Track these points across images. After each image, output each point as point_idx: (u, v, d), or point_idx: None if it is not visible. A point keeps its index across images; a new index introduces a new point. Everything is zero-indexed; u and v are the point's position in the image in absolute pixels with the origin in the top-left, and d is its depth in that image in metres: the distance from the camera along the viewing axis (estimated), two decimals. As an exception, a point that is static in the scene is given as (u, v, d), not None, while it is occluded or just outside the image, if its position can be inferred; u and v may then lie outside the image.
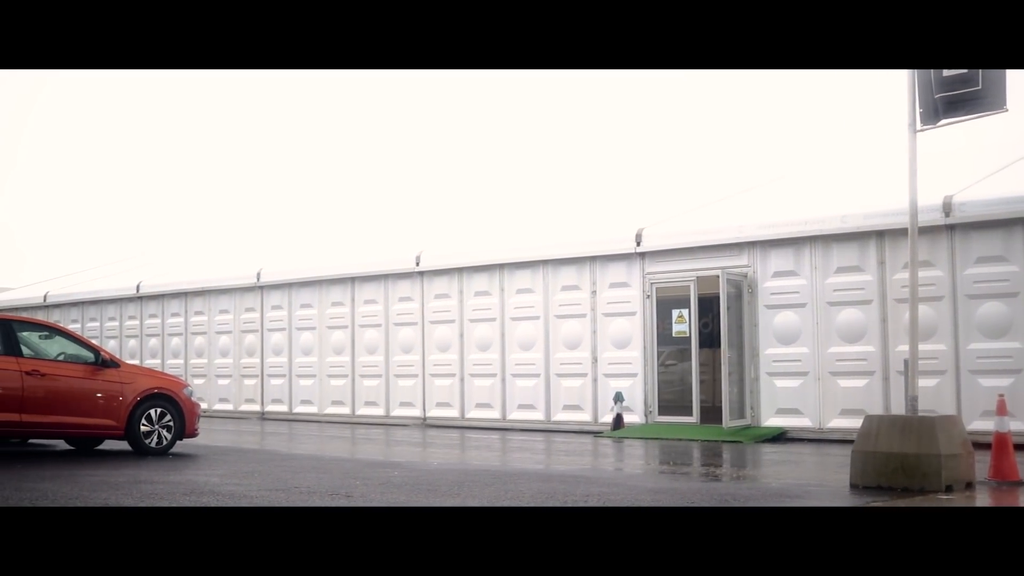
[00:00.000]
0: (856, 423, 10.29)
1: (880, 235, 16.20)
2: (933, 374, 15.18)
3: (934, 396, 14.96)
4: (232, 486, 9.57)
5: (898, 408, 14.86)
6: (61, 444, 14.30)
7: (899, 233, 15.41)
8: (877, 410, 15.27)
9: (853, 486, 9.67)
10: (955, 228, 15.48)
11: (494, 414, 20.53)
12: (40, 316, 27.71)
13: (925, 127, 10.51)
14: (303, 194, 52.46)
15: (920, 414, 10.26)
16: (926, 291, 14.77)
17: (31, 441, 14.68)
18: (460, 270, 21.36)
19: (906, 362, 10.75)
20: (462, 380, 21.16)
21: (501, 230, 23.02)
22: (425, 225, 26.29)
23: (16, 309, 29.08)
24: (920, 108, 10.39)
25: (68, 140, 66.46)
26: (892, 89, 21.35)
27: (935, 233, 15.45)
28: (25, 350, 12.79)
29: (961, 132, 12.60)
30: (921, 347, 12.66)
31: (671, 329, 18.13)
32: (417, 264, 21.91)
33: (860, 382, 16.31)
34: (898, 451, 9.51)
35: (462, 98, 59.12)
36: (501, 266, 20.75)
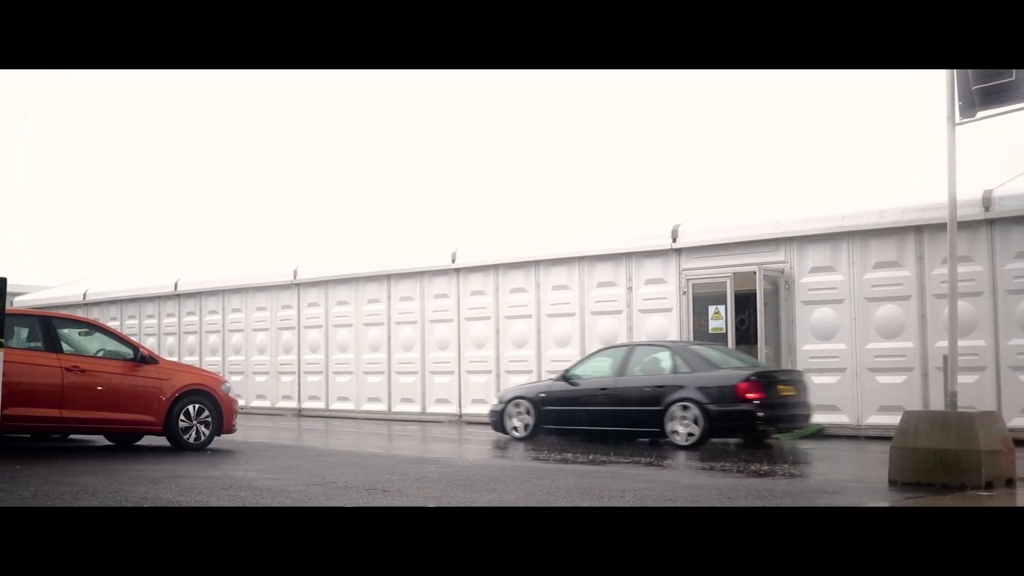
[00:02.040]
0: (895, 420, 10.21)
1: (919, 230, 16.08)
2: (973, 370, 15.05)
3: (974, 392, 14.82)
4: (269, 481, 9.62)
5: (937, 405, 14.73)
6: (101, 440, 14.41)
7: (938, 228, 15.28)
8: (916, 407, 15.15)
9: (892, 482, 9.59)
10: (995, 223, 15.34)
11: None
12: (80, 314, 27.93)
13: (964, 120, 10.40)
14: (338, 193, 52.67)
15: (959, 410, 10.16)
16: (965, 286, 14.64)
17: (71, 437, 14.82)
18: (496, 267, 21.37)
19: (945, 358, 10.63)
20: (497, 376, 21.16)
21: (536, 227, 23.01)
22: (461, 222, 26.31)
23: (56, 307, 29.35)
24: (959, 101, 10.29)
25: (107, 140, 67.03)
26: (929, 83, 21.17)
27: (974, 228, 15.32)
28: (65, 347, 12.91)
29: (1000, 126, 12.45)
30: (960, 343, 12.55)
31: (707, 325, 18.05)
32: (453, 261, 21.94)
33: (899, 378, 16.19)
34: (937, 447, 9.42)
35: (498, 97, 59.16)
36: (537, 263, 20.74)
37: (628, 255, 19.40)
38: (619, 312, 19.50)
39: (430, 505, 8.03)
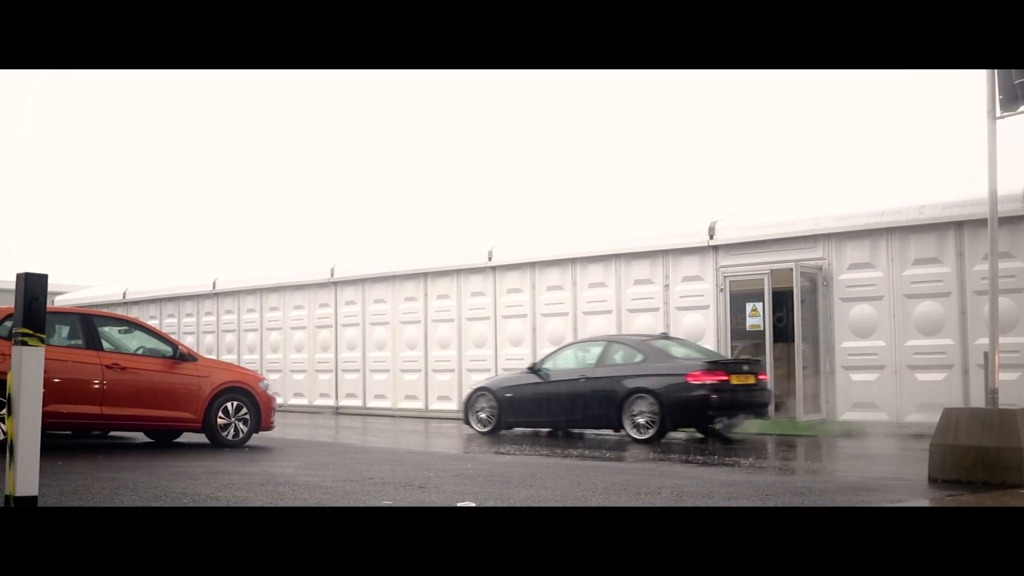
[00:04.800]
0: (935, 418, 10.12)
1: (959, 226, 15.94)
2: (1014, 367, 14.89)
3: (1015, 390, 14.65)
4: (307, 477, 9.66)
5: (978, 402, 14.59)
6: (140, 436, 14.54)
7: (978, 224, 15.15)
8: (956, 404, 15.02)
9: (932, 480, 9.51)
10: (1036, 218, 15.18)
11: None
12: (120, 312, 28.18)
13: (1005, 114, 10.30)
14: (374, 192, 52.85)
15: (1000, 407, 10.06)
16: (1006, 283, 14.49)
17: (111, 433, 14.95)
18: (532, 264, 21.37)
19: (986, 355, 10.53)
20: (535, 374, 21.13)
21: (573, 224, 23.00)
22: (497, 220, 26.32)
23: (96, 305, 29.63)
24: (1000, 95, 10.19)
25: (145, 140, 67.58)
26: (968, 77, 20.98)
27: (1015, 223, 15.16)
28: (105, 344, 13.03)
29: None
30: (1002, 340, 12.42)
31: (745, 323, 17.98)
32: (489, 259, 21.96)
33: (939, 376, 16.06)
34: (978, 444, 9.33)
35: (534, 96, 59.16)
36: (573, 260, 20.73)
37: (665, 252, 19.35)
38: (656, 309, 19.45)
39: (467, 502, 8.04)
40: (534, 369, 17.04)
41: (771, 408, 16.51)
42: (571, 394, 16.15)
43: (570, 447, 14.28)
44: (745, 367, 15.86)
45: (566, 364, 16.77)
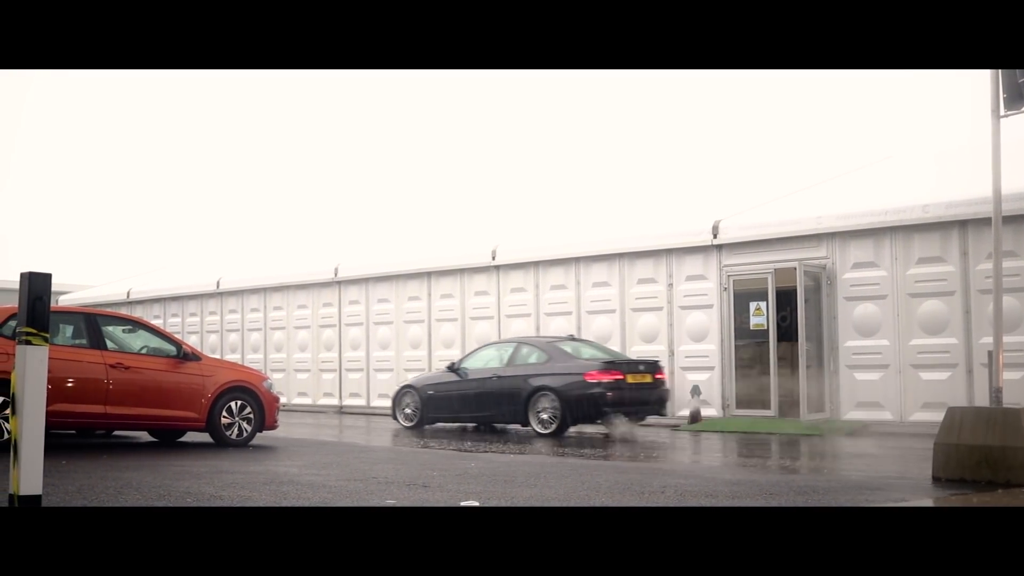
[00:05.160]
0: (939, 417, 10.11)
1: (963, 225, 15.93)
2: (1018, 366, 14.86)
3: (1019, 389, 14.62)
4: (311, 476, 9.67)
5: (982, 401, 14.60)
6: (144, 436, 14.55)
7: (982, 223, 15.12)
8: (960, 403, 14.99)
9: (935, 479, 9.50)
10: (1040, 216, 15.15)
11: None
12: (124, 312, 28.21)
13: (1009, 112, 10.29)
14: (378, 191, 52.86)
15: (1005, 407, 10.05)
16: (1011, 282, 14.47)
17: (115, 433, 14.96)
18: (536, 264, 21.38)
19: (990, 354, 10.52)
20: (538, 374, 21.14)
21: (576, 224, 22.99)
22: (500, 219, 26.34)
23: (100, 305, 29.64)
24: (1004, 93, 10.18)
25: (147, 140, 67.64)
26: (972, 75, 20.96)
27: (1020, 222, 15.13)
28: (109, 344, 13.03)
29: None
30: (1006, 339, 12.41)
31: (748, 322, 17.98)
32: (493, 258, 21.97)
33: (943, 375, 16.05)
34: (982, 444, 9.31)
35: (537, 95, 59.17)
36: (577, 259, 20.73)
37: (668, 251, 19.35)
38: (660, 309, 19.45)
39: (471, 501, 8.04)
40: (453, 368, 18.04)
41: (669, 406, 17.55)
42: (485, 391, 17.23)
43: (480, 440, 15.45)
44: (641, 367, 16.86)
45: (481, 363, 17.82)
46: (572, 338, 18.30)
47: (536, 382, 16.48)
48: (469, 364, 17.98)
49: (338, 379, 25.37)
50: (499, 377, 17.15)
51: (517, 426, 17.14)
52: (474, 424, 17.93)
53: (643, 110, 56.37)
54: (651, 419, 18.35)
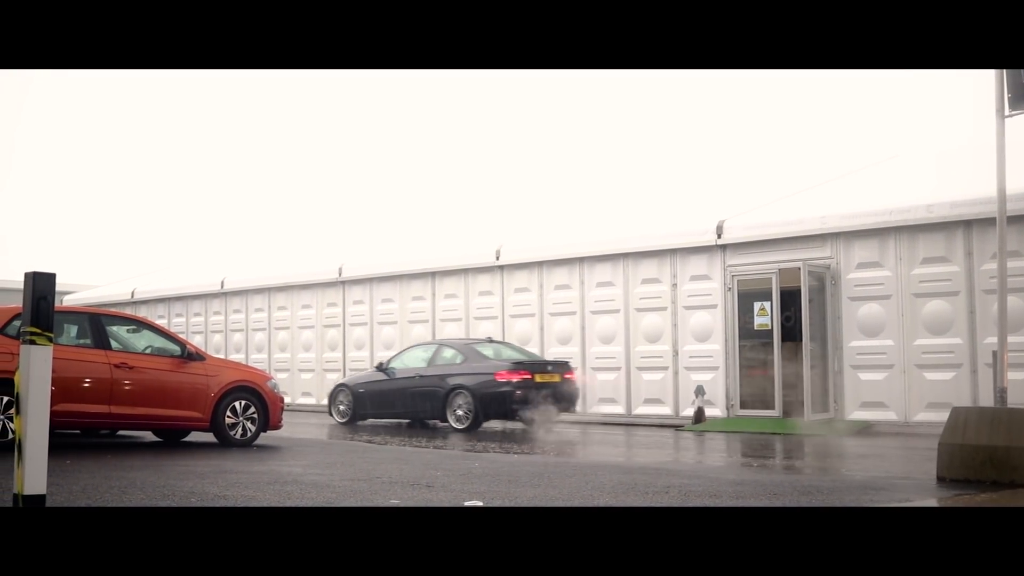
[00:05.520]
0: (943, 417, 10.09)
1: (967, 224, 15.91)
2: (1023, 366, 14.85)
3: (1024, 389, 14.64)
4: (315, 476, 9.67)
5: (987, 401, 14.58)
6: (148, 436, 14.55)
7: (987, 222, 15.11)
8: (965, 403, 14.99)
9: (940, 479, 9.49)
10: (1046, 217, 15.12)
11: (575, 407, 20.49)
12: (128, 312, 28.23)
13: (1013, 112, 10.28)
14: (382, 191, 52.86)
15: (1009, 407, 10.04)
16: (1015, 281, 14.44)
17: (119, 433, 14.97)
18: (540, 264, 21.38)
19: (995, 354, 10.53)
20: (542, 374, 21.14)
21: (581, 224, 22.98)
22: (505, 219, 26.33)
23: (105, 305, 29.67)
24: (1008, 93, 10.17)
25: (150, 140, 67.69)
26: (975, 74, 20.92)
27: (1024, 222, 15.12)
28: (114, 343, 13.03)
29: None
30: (1011, 339, 12.39)
31: (753, 322, 17.97)
32: (497, 258, 21.96)
33: (947, 375, 16.03)
34: (986, 444, 9.30)
35: (540, 96, 59.18)
36: (581, 259, 20.73)
37: (673, 251, 19.34)
38: (664, 309, 19.44)
39: (475, 501, 8.04)
40: (382, 368, 19.28)
41: (579, 404, 18.71)
42: (409, 390, 18.47)
43: (400, 434, 16.67)
44: (550, 367, 18.03)
45: (406, 364, 19.06)
46: (491, 340, 19.55)
47: (453, 381, 17.71)
48: (396, 364, 19.17)
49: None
50: (421, 376, 18.38)
51: (437, 421, 18.30)
52: (406, 420, 19.08)
53: (647, 110, 56.33)
54: (654, 420, 18.36)
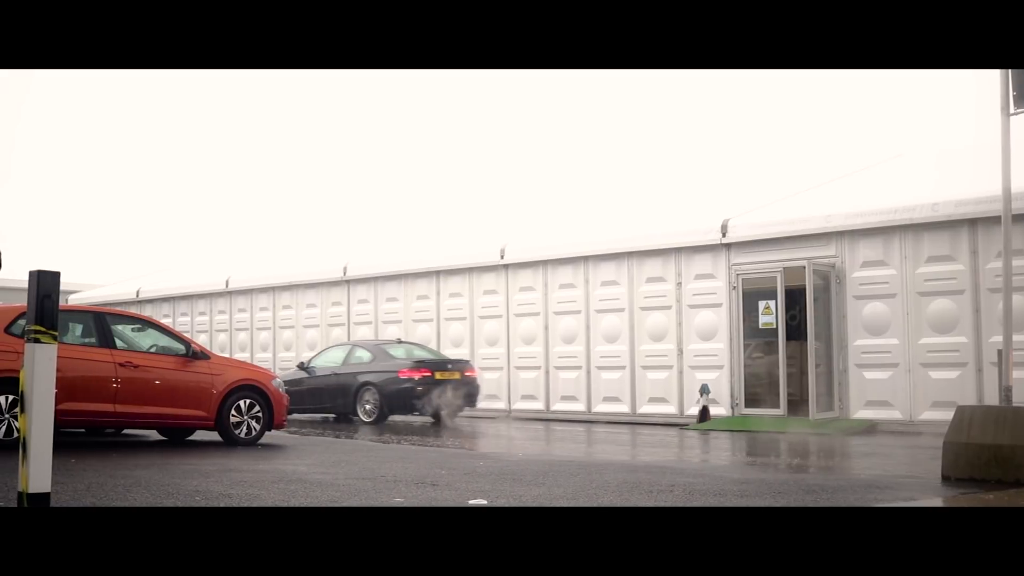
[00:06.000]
0: (948, 415, 10.08)
1: (972, 223, 15.89)
2: (1028, 365, 14.83)
3: (1029, 388, 14.61)
4: (319, 475, 9.67)
5: (992, 400, 14.56)
6: (153, 434, 14.56)
7: (992, 221, 15.08)
8: (970, 402, 14.96)
9: (945, 478, 9.48)
10: (1051, 215, 15.09)
11: (579, 407, 20.52)
12: (133, 311, 28.26)
13: (1019, 111, 10.27)
14: (387, 190, 52.89)
15: (1014, 405, 10.03)
16: (1020, 280, 14.42)
17: (124, 431, 14.98)
18: (545, 263, 21.38)
19: (1000, 352, 10.51)
20: (547, 372, 21.18)
21: (585, 223, 22.98)
22: (509, 219, 26.32)
23: (110, 304, 29.70)
24: (1014, 91, 10.16)
25: (156, 138, 67.77)
26: (980, 73, 20.89)
27: (1030, 221, 15.08)
28: (119, 342, 13.03)
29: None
30: (1016, 337, 12.38)
31: (757, 321, 17.95)
32: (502, 257, 21.97)
33: (952, 374, 16.01)
34: (991, 442, 9.29)
35: (545, 95, 59.18)
36: (586, 258, 20.72)
37: (677, 250, 19.33)
38: (668, 308, 19.44)
39: (480, 500, 8.04)
40: (303, 367, 20.88)
41: (478, 400, 20.16)
42: (326, 387, 20.15)
43: (321, 427, 18.10)
44: (449, 366, 19.71)
45: (325, 363, 20.70)
46: (400, 341, 21.40)
47: (362, 378, 19.44)
48: (316, 363, 20.81)
49: (347, 378, 25.37)
50: (336, 374, 20.12)
51: (350, 415, 19.82)
52: (325, 414, 20.51)
53: (651, 110, 56.31)
54: (658, 419, 18.35)
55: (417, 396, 18.80)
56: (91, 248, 41.95)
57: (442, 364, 19.56)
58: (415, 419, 20.25)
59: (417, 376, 19.00)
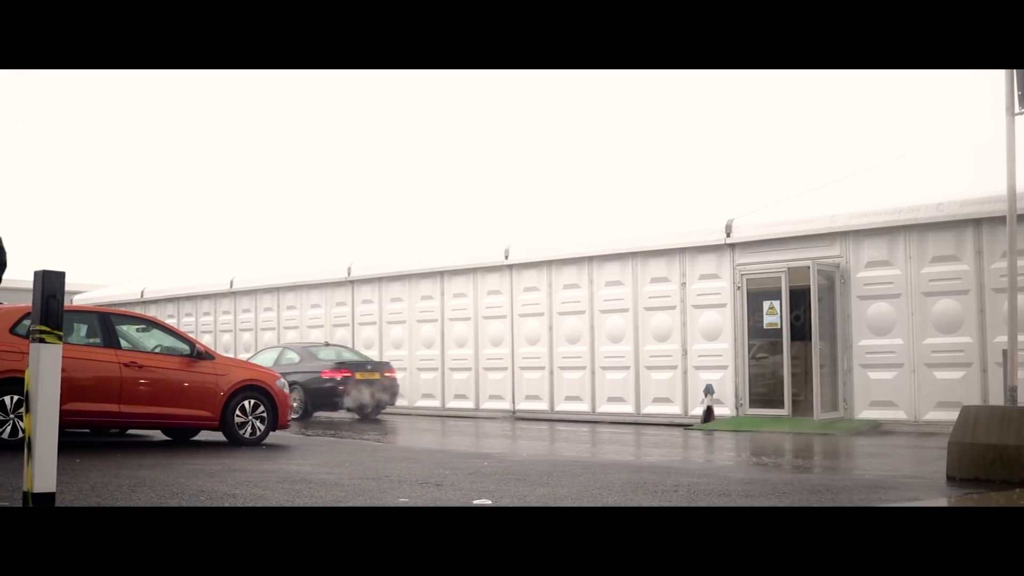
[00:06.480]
0: (953, 416, 10.07)
1: (977, 223, 15.87)
2: (1033, 365, 14.80)
3: (1034, 388, 14.58)
4: (324, 475, 9.67)
5: (997, 400, 14.54)
6: (158, 435, 14.57)
7: (997, 221, 15.06)
8: (975, 402, 14.93)
9: (950, 478, 9.47)
10: (1055, 215, 15.07)
11: (583, 407, 20.52)
12: (138, 311, 28.27)
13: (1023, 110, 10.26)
14: (391, 191, 52.92)
15: (1020, 405, 10.02)
16: (1025, 280, 14.40)
17: (129, 432, 14.99)
18: (549, 263, 21.37)
19: (1005, 353, 10.51)
20: (551, 373, 21.18)
21: (589, 223, 22.98)
22: (513, 219, 26.32)
23: (114, 304, 29.72)
24: (1019, 91, 10.15)
25: (158, 139, 67.82)
26: (984, 73, 20.86)
27: (1034, 221, 15.06)
28: (123, 343, 13.04)
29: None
30: (1021, 337, 12.35)
31: (762, 321, 17.94)
32: (506, 257, 21.97)
33: (957, 374, 15.99)
34: (996, 443, 9.27)
35: (549, 95, 59.19)
36: (590, 259, 20.72)
37: (681, 250, 19.32)
38: (672, 308, 19.43)
39: (484, 500, 8.04)
40: None
41: (397, 399, 21.91)
42: None
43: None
44: (369, 366, 21.48)
45: (259, 363, 20.74)
46: (327, 344, 23.22)
47: (290, 378, 19.46)
48: (255, 362, 21.36)
49: (351, 378, 25.38)
50: None
51: None
52: None
53: (655, 110, 56.31)
54: (663, 419, 18.35)
55: (338, 395, 20.64)
56: (95, 248, 42.00)
57: (362, 365, 21.35)
58: (336, 415, 21.89)
59: (338, 376, 20.76)
